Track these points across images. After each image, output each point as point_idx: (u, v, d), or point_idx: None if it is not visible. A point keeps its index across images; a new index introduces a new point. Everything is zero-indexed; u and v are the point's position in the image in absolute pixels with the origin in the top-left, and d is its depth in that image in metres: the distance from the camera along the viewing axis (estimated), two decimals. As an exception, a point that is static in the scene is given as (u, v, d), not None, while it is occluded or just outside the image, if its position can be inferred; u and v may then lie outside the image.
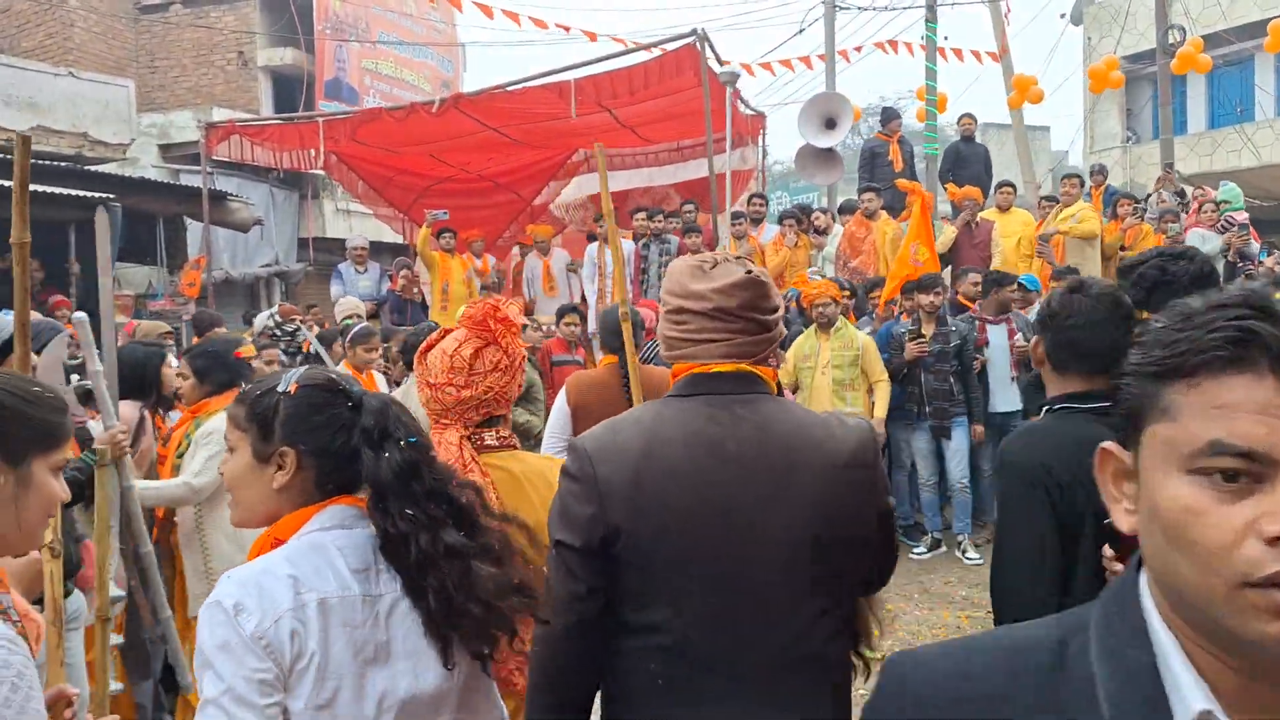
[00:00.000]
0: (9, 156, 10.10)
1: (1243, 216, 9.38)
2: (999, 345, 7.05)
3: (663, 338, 1.81)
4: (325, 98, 16.68)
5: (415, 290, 10.31)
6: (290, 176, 15.39)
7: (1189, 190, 12.25)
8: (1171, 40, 14.46)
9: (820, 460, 1.67)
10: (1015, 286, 7.32)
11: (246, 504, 1.63)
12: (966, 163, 11.11)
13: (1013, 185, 10.14)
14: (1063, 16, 22.02)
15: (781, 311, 1.81)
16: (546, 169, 12.58)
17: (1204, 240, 9.40)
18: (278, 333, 7.66)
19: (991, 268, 8.93)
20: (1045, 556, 1.99)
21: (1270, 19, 16.65)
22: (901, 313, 7.23)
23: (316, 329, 8.36)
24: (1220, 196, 9.68)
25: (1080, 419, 2.08)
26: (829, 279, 7.76)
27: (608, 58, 10.23)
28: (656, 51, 9.72)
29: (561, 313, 7.73)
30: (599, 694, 1.79)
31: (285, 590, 1.45)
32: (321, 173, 13.80)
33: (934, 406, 6.82)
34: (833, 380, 6.63)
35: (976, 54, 15.67)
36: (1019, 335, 6.96)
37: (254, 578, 1.46)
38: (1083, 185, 10.15)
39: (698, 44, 9.05)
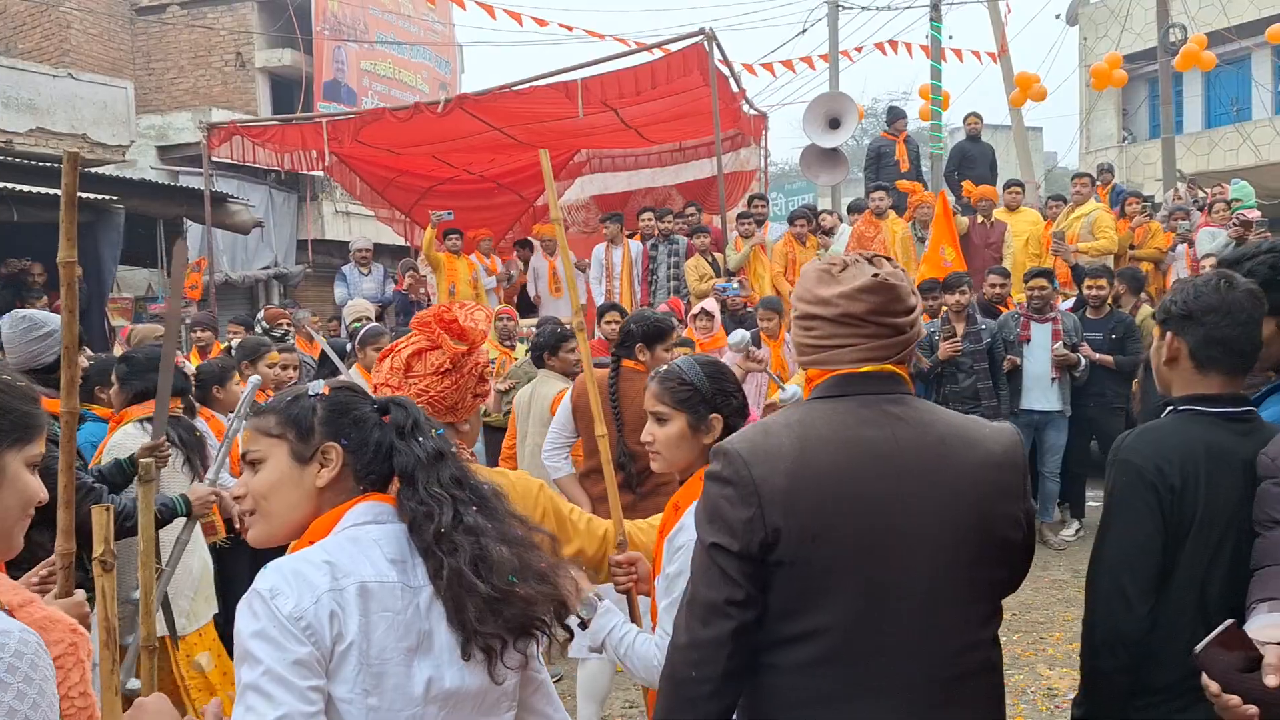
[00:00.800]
0: (8, 158, 10.02)
1: (1254, 214, 9.36)
2: (1041, 344, 7.04)
3: (795, 344, 1.80)
4: (324, 99, 16.58)
5: (422, 291, 10.25)
6: (289, 178, 15.30)
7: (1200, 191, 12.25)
8: (1173, 39, 14.48)
9: (976, 460, 1.66)
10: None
11: (278, 513, 1.61)
12: (973, 162, 11.10)
13: (1021, 185, 10.14)
14: (1058, 17, 22.10)
15: (919, 311, 1.76)
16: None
17: (1213, 238, 9.38)
18: (266, 339, 7.48)
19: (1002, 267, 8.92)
20: (1148, 560, 1.96)
21: (1267, 18, 16.73)
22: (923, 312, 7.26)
23: (322, 336, 8.28)
24: (1232, 194, 9.67)
25: (1207, 422, 2.02)
26: None
27: (615, 57, 10.18)
28: (661, 51, 9.68)
29: (602, 312, 7.63)
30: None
31: (323, 575, 1.45)
32: (321, 174, 13.72)
33: (968, 405, 6.85)
34: None
35: (977, 54, 15.71)
36: (1064, 337, 6.97)
37: (291, 565, 1.46)
38: (1091, 184, 10.14)
39: (705, 43, 9.01)
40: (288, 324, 7.55)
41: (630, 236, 10.20)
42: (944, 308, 7.09)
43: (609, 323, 7.36)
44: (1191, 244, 9.53)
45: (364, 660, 1.44)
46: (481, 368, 2.19)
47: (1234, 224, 9.24)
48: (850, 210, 10.39)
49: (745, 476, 1.61)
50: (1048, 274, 7.31)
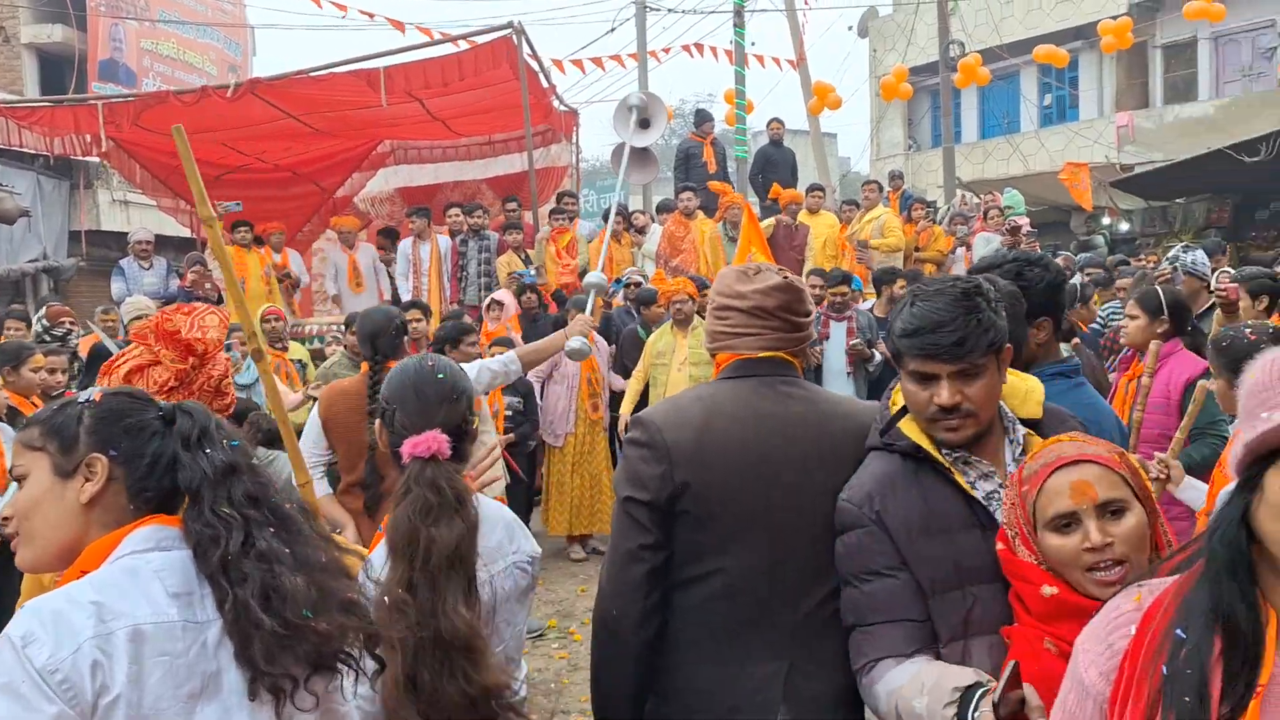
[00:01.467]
0: None
1: (1024, 220, 10.13)
2: (837, 340, 7.33)
3: (708, 331, 2.12)
4: (100, 79, 15.34)
5: (208, 287, 9.62)
6: (60, 164, 14.04)
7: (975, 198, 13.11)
8: (953, 54, 15.45)
9: (853, 428, 1.97)
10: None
11: (42, 535, 1.44)
12: (776, 166, 11.47)
13: (823, 189, 10.55)
14: (850, 29, 23.24)
15: (813, 315, 2.17)
16: (350, 160, 12.05)
17: (987, 243, 10.09)
18: (46, 338, 6.80)
19: (806, 269, 9.26)
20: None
21: (1034, 37, 18.15)
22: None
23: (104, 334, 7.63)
24: (1005, 202, 10.42)
25: None
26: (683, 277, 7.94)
27: (421, 46, 9.92)
28: (467, 44, 9.48)
29: (404, 310, 7.36)
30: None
31: (87, 618, 1.28)
32: (96, 160, 12.66)
33: None
34: (689, 377, 6.77)
35: (777, 61, 16.23)
36: (858, 334, 7.24)
37: (51, 606, 1.29)
38: (880, 190, 10.69)
39: (514, 37, 8.88)
40: (71, 322, 6.88)
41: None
42: None
43: (411, 321, 7.14)
44: (970, 248, 10.22)
45: (134, 713, 1.28)
46: (219, 380, 2.02)
47: (1004, 230, 9.98)
48: (659, 210, 10.51)
49: (659, 440, 1.95)
50: (849, 278, 7.64)
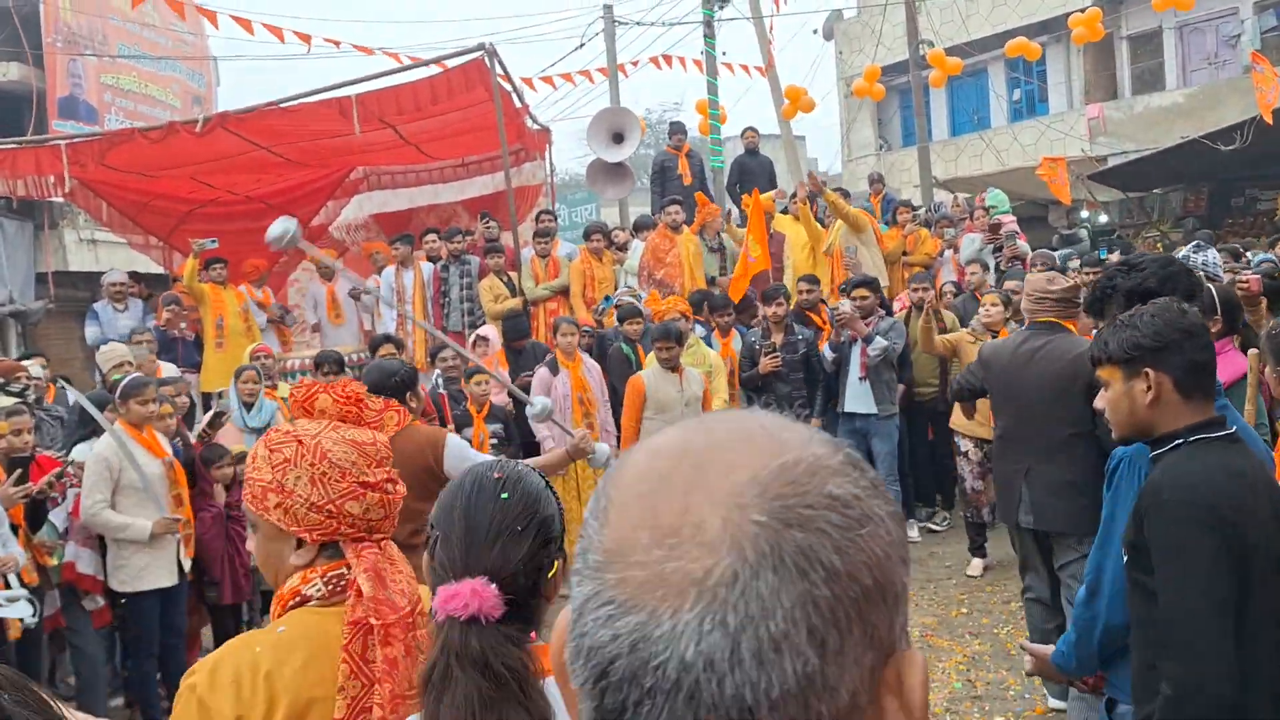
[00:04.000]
0: None
1: (1009, 219, 10.06)
2: (854, 347, 7.27)
3: (1025, 309, 4.76)
4: (60, 117, 15.02)
5: (183, 326, 9.40)
6: (23, 205, 13.73)
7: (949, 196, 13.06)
8: (922, 53, 15.44)
9: (1070, 357, 4.35)
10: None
11: None
12: (753, 175, 11.36)
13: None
14: (815, 32, 23.25)
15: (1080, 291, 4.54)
16: (323, 188, 11.84)
17: (972, 243, 10.04)
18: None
19: (788, 276, 9.16)
20: (1229, 606, 1.87)
21: (1002, 33, 18.19)
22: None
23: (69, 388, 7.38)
24: (988, 202, 10.36)
25: (1219, 447, 2.00)
26: (675, 295, 7.84)
27: (392, 72, 9.71)
28: (439, 67, 9.32)
29: (375, 345, 7.18)
30: None
31: None
32: (60, 200, 12.39)
33: (796, 412, 7.02)
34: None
35: (746, 68, 16.18)
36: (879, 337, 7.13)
37: None
38: (847, 196, 10.45)
39: (486, 59, 8.74)
40: (26, 378, 6.59)
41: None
42: (766, 319, 7.41)
43: (384, 355, 6.98)
44: (957, 249, 10.15)
45: None
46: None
47: (985, 227, 9.93)
48: (637, 228, 10.37)
49: (985, 360, 4.90)
50: (872, 283, 7.53)
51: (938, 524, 8.03)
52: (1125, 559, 2.09)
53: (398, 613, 1.59)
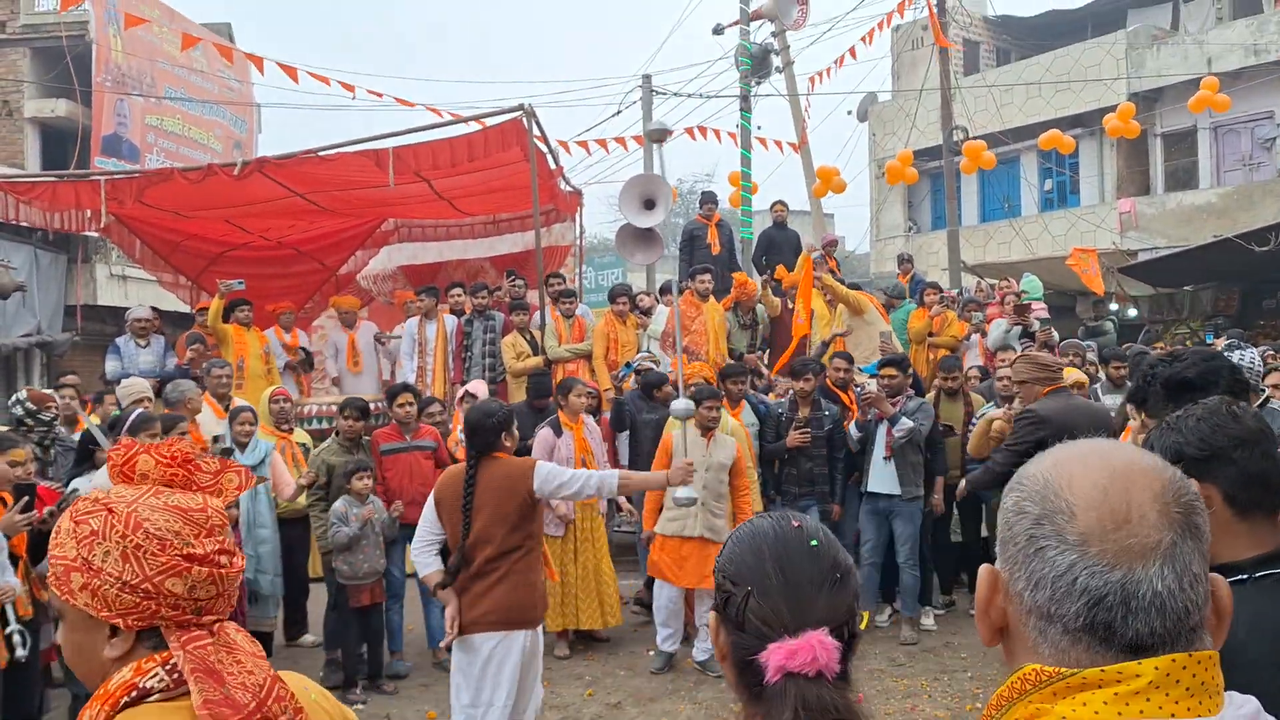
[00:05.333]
0: None
1: (1040, 306, 9.99)
2: (879, 427, 7.17)
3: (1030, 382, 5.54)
4: (102, 154, 15.32)
5: (205, 366, 9.40)
6: (59, 238, 13.93)
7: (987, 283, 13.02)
8: (956, 139, 15.54)
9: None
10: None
11: None
12: (780, 248, 11.37)
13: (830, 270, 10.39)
14: (850, 113, 23.51)
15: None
16: (353, 237, 11.95)
17: (999, 327, 9.95)
18: (30, 422, 6.36)
19: (813, 352, 9.09)
20: None
21: (1035, 124, 18.34)
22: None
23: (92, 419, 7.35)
24: (1022, 286, 10.29)
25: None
26: (699, 360, 7.80)
27: (430, 127, 9.83)
28: (478, 125, 9.43)
29: (394, 394, 7.13)
30: None
31: None
32: (95, 235, 12.56)
33: (804, 488, 7.21)
34: None
35: (779, 144, 16.33)
36: (904, 418, 7.05)
37: None
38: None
39: (524, 119, 8.83)
40: (56, 408, 6.55)
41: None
42: (794, 392, 7.35)
43: (401, 405, 6.94)
44: (985, 334, 10.06)
45: None
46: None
47: (1013, 310, 9.86)
48: (663, 291, 10.36)
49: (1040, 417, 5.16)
50: (900, 361, 7.45)
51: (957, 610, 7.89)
52: None
53: (241, 712, 1.36)
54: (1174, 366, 2.69)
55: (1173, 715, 0.90)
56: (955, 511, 7.84)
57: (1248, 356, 4.83)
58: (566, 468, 4.67)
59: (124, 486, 1.45)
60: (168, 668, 1.37)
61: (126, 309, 10.62)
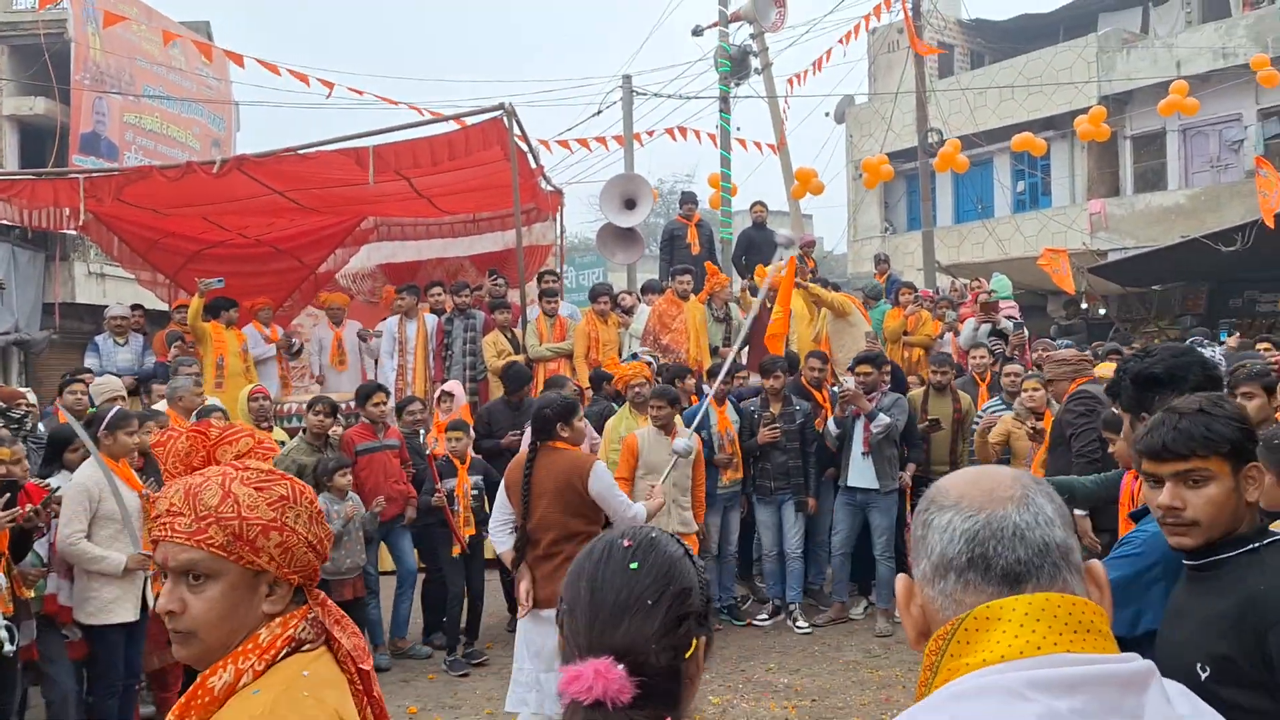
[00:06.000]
0: None
1: (1009, 305, 10.17)
2: (856, 422, 7.32)
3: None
4: (81, 151, 15.25)
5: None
6: (37, 236, 13.87)
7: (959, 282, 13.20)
8: (931, 141, 15.73)
9: None
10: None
11: None
12: (759, 248, 11.49)
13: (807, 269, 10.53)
14: (827, 115, 23.68)
15: None
16: (333, 235, 11.97)
17: (975, 327, 10.13)
18: None
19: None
20: None
21: (1008, 125, 18.56)
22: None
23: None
24: (991, 285, 10.47)
25: None
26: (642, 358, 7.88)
27: (411, 125, 9.88)
28: (458, 124, 9.49)
29: (367, 393, 7.16)
30: None
31: None
32: (73, 232, 12.52)
33: (779, 483, 7.35)
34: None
35: (759, 145, 16.46)
36: (881, 414, 7.21)
37: None
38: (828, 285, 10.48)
39: (505, 119, 8.91)
40: (27, 405, 6.57)
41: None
42: (765, 390, 7.48)
43: (375, 404, 6.99)
44: (957, 332, 10.24)
45: None
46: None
47: (979, 308, 10.07)
48: (644, 290, 10.46)
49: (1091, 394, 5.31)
50: (873, 359, 7.58)
51: None
52: (1204, 675, 1.88)
53: (368, 657, 1.60)
54: (1144, 362, 2.77)
55: (1056, 645, 1.03)
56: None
57: (1211, 354, 4.93)
58: (626, 500, 4.88)
59: (254, 460, 1.68)
60: (310, 620, 1.56)
61: (105, 307, 10.62)
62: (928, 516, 1.16)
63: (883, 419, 7.12)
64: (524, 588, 4.67)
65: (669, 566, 1.28)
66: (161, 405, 7.59)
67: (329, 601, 1.60)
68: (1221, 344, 5.21)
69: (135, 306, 10.35)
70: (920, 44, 15.35)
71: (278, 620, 1.52)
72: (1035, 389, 6.87)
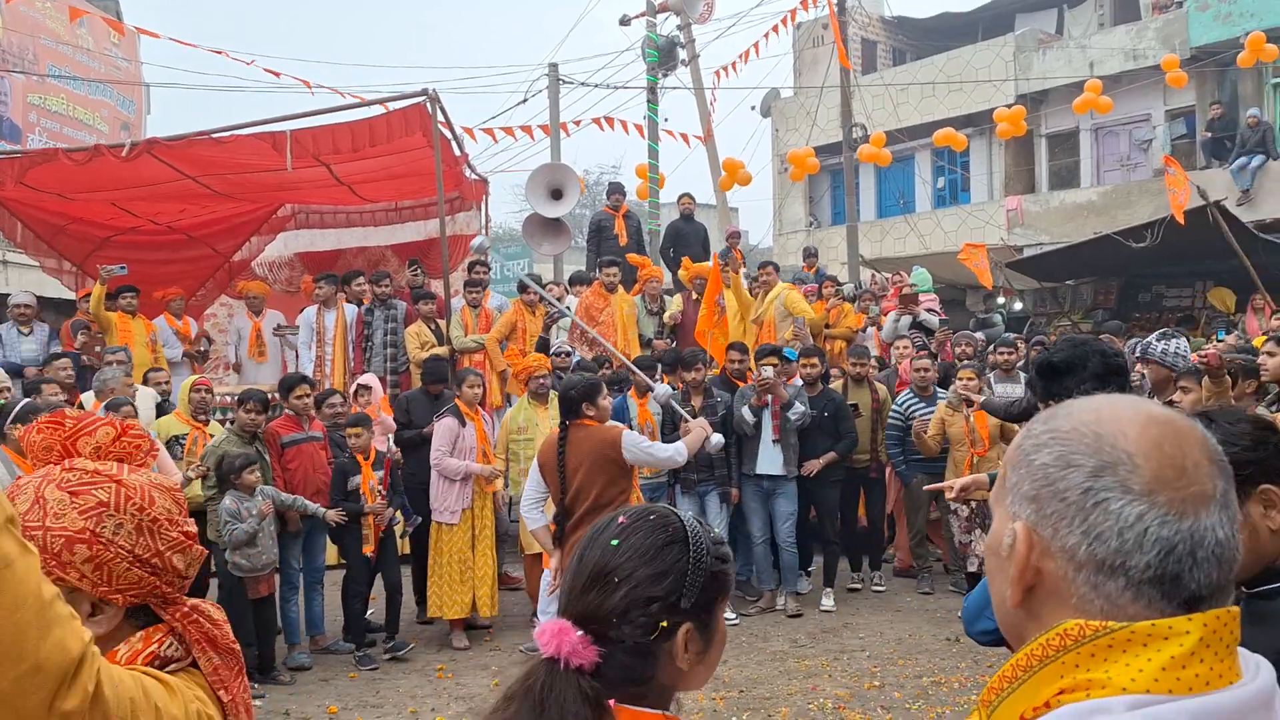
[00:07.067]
0: None
1: (929, 298, 10.35)
2: (765, 411, 7.52)
3: None
4: (-21, 132, 14.57)
5: (97, 350, 9.08)
6: (-69, 220, 13.19)
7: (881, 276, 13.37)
8: (855, 135, 15.90)
9: None
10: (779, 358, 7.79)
11: None
12: (687, 240, 11.48)
13: (776, 267, 10.62)
14: (753, 108, 23.85)
15: None
16: (248, 223, 11.61)
17: (896, 319, 10.28)
18: None
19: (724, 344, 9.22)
20: None
21: (929, 122, 18.88)
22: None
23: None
24: (911, 279, 10.63)
25: None
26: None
27: (332, 110, 9.63)
28: (381, 108, 9.29)
29: (290, 385, 6.98)
30: None
31: None
32: (-29, 218, 11.92)
33: (703, 474, 7.43)
34: None
35: (685, 137, 16.48)
36: (795, 403, 7.48)
37: None
38: (777, 270, 10.62)
39: (429, 105, 8.73)
40: None
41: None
42: (685, 384, 7.60)
43: (299, 396, 6.84)
44: (880, 327, 10.37)
45: None
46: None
47: (900, 301, 10.25)
48: (572, 282, 10.38)
49: None
50: (778, 350, 7.81)
51: (879, 585, 8.32)
52: None
53: (231, 681, 1.39)
54: (1046, 353, 2.83)
55: (1208, 684, 0.88)
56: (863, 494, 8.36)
57: (1174, 347, 4.85)
58: (645, 438, 5.44)
59: (103, 462, 1.39)
60: (176, 637, 1.36)
61: (7, 295, 10.15)
62: (1099, 487, 0.92)
63: (799, 408, 7.43)
64: (554, 565, 5.04)
65: (649, 548, 1.33)
66: (88, 397, 7.33)
67: (199, 618, 1.39)
68: (1182, 337, 5.17)
69: (41, 299, 9.94)
70: (844, 51, 15.50)
71: (139, 635, 1.34)
72: (970, 378, 7.30)
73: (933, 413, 7.71)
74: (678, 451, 5.31)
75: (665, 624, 1.29)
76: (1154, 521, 0.90)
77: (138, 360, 8.93)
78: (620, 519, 1.38)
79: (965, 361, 8.22)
